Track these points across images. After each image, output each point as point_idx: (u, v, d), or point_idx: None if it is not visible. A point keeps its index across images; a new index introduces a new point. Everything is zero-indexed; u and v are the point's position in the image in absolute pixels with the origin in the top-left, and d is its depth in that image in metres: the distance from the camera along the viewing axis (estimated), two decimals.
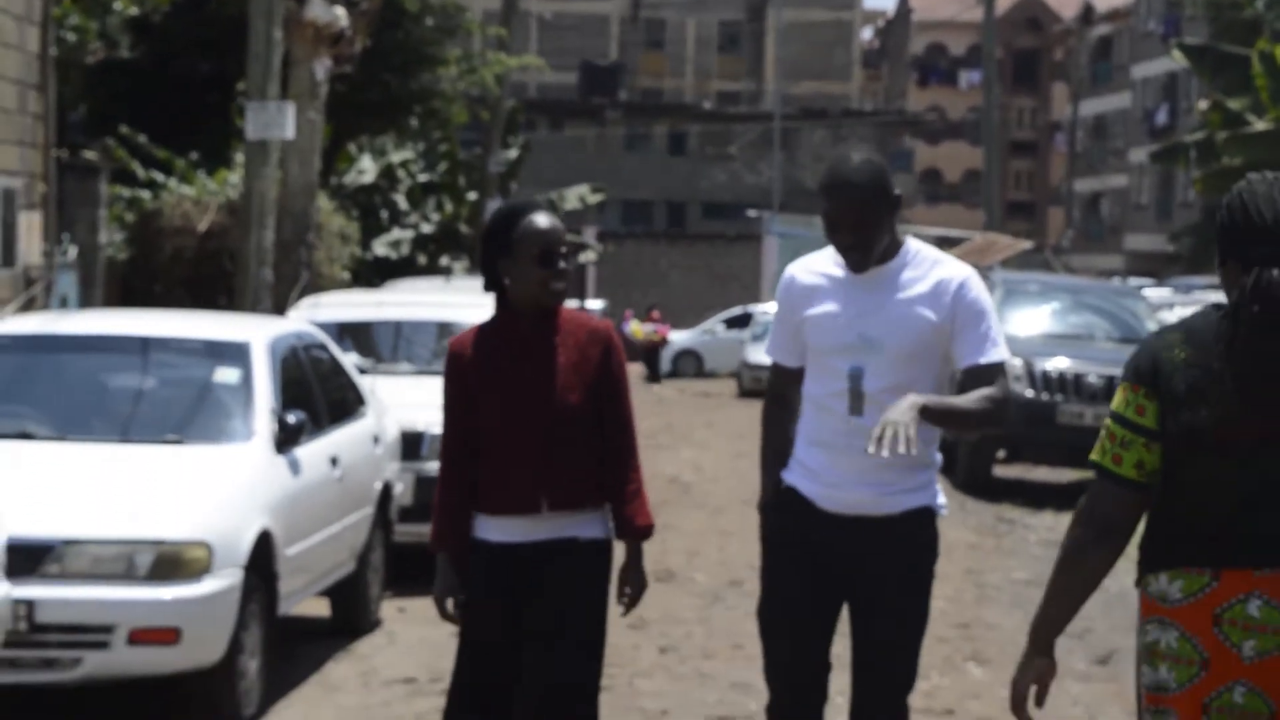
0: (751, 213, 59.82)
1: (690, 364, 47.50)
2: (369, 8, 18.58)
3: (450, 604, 6.03)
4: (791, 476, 5.82)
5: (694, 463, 21.87)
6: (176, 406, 9.60)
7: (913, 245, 5.79)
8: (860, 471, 5.65)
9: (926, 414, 5.44)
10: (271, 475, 9.26)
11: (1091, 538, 4.37)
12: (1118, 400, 4.38)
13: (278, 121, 16.06)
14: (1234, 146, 21.48)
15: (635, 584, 6.11)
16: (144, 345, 9.96)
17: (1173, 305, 27.07)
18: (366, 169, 33.18)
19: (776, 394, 5.98)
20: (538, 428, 5.90)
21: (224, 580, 8.37)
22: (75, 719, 8.84)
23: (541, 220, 5.93)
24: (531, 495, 5.92)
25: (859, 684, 5.78)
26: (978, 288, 5.75)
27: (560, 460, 5.92)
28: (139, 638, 8.11)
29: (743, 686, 9.46)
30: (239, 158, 23.96)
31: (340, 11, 18.06)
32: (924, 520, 5.76)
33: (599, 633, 5.99)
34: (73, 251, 20.88)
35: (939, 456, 5.84)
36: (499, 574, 5.95)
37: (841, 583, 5.75)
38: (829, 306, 5.75)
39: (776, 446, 5.90)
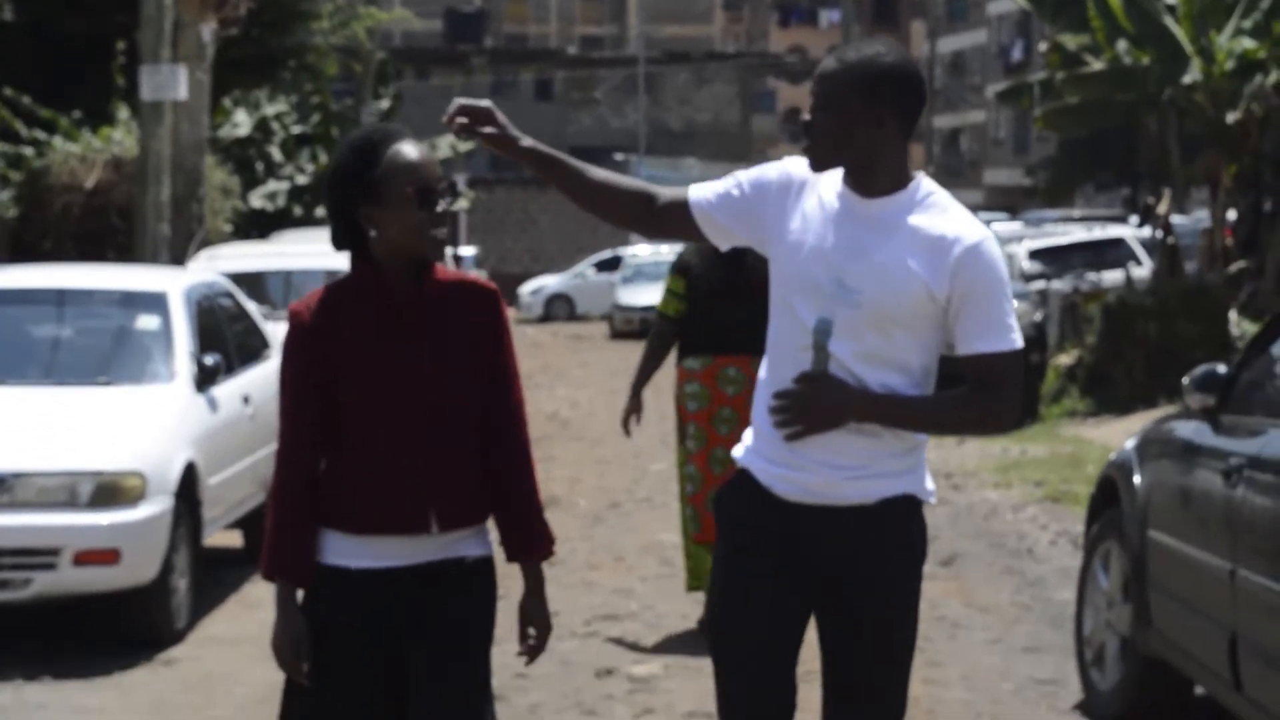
0: (618, 156, 60.76)
1: (562, 308, 48.41)
2: None
3: (294, 650, 4.62)
4: (744, 454, 4.73)
5: (570, 400, 22.90)
6: (103, 352, 10.53)
7: (925, 184, 4.60)
8: (825, 449, 4.57)
9: (885, 422, 4.55)
10: (193, 412, 10.21)
11: (655, 346, 9.38)
12: (669, 281, 9.34)
13: (170, 83, 16.93)
14: (1072, 86, 22.58)
15: (540, 623, 4.81)
16: (69, 297, 10.88)
17: (1021, 239, 28.28)
18: (241, 122, 33.73)
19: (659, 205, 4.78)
20: (422, 422, 4.60)
21: (157, 506, 9.33)
22: (28, 640, 9.75)
23: (410, 151, 4.60)
24: (418, 511, 4.62)
25: (836, 715, 4.71)
26: (993, 254, 4.55)
27: (452, 464, 4.65)
28: (83, 559, 9.08)
29: (624, 592, 10.57)
30: (121, 115, 24.60)
31: None
32: (907, 510, 4.63)
33: (487, 673, 4.74)
34: None
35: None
36: (372, 609, 4.63)
37: (808, 588, 4.65)
38: (808, 233, 4.58)
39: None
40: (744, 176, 4.72)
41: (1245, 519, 6.58)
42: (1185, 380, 7.43)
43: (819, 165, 4.60)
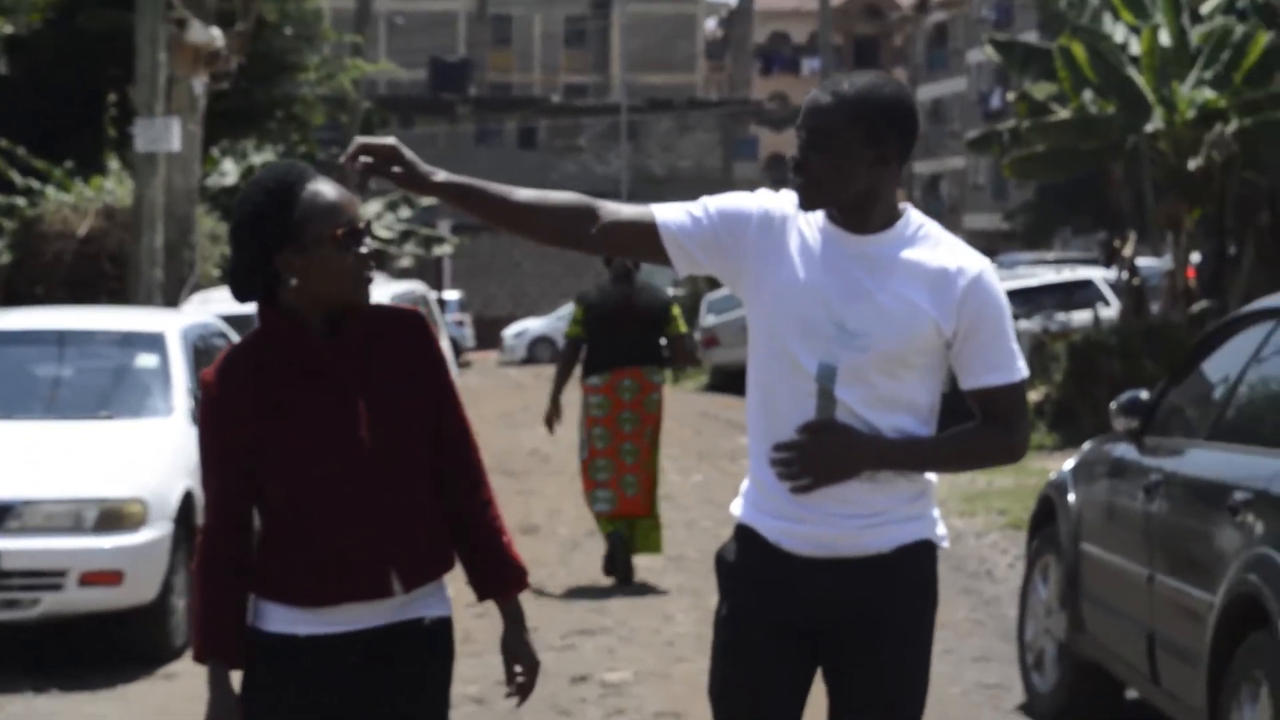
0: None
1: (545, 350, 48.92)
2: (243, 29, 20.10)
3: None
4: (745, 510, 4.45)
5: (551, 437, 23.45)
6: (104, 388, 11.16)
7: (915, 216, 4.37)
8: (835, 499, 4.32)
9: (899, 467, 4.33)
10: (191, 444, 10.76)
11: (563, 363, 12.13)
12: (574, 311, 11.92)
13: (164, 135, 17.61)
14: (1039, 134, 23.20)
15: (527, 661, 4.40)
16: (70, 337, 11.50)
17: None
18: (229, 171, 34.22)
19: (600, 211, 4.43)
20: (367, 476, 4.19)
21: (158, 531, 9.93)
22: (37, 655, 10.29)
23: (329, 190, 4.18)
24: (377, 573, 4.21)
25: None
26: (995, 284, 4.35)
27: (407, 515, 4.23)
28: (88, 580, 9.69)
29: (598, 610, 11.18)
30: (112, 165, 25.25)
31: (217, 32, 19.57)
32: (920, 557, 4.38)
33: None
34: None
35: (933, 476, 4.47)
36: (323, 680, 4.23)
37: (815, 644, 4.41)
38: (797, 274, 4.31)
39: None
40: (712, 205, 4.39)
41: (1160, 529, 7.21)
42: (1112, 406, 8.04)
43: (811, 205, 4.32)
